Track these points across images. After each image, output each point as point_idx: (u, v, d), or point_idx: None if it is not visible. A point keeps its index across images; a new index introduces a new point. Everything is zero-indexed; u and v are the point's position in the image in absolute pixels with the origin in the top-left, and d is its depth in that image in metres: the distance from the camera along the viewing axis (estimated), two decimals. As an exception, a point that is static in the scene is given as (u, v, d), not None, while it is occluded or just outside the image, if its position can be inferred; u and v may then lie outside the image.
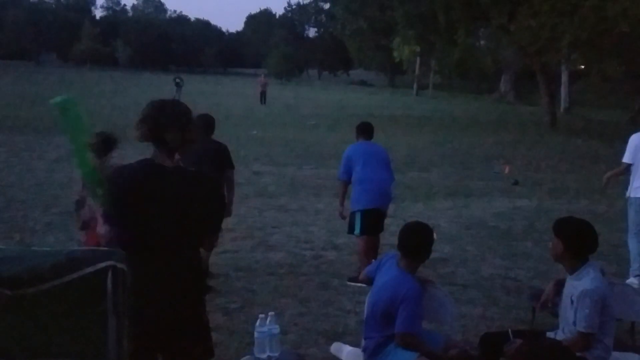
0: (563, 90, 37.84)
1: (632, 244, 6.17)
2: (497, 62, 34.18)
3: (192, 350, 2.91)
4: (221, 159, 5.73)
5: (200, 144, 5.73)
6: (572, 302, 3.40)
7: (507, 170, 13.03)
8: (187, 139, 2.92)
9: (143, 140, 2.87)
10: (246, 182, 10.60)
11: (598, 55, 22.09)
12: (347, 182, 6.24)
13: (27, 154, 13.22)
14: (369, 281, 3.84)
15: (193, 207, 2.87)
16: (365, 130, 6.29)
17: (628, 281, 5.93)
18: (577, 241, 3.45)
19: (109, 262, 2.29)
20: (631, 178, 6.24)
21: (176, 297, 2.82)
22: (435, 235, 3.78)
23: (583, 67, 29.25)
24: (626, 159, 6.16)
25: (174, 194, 2.83)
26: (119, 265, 2.30)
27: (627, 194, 6.26)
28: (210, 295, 5.41)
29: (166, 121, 2.85)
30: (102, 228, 2.88)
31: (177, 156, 2.94)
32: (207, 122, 5.87)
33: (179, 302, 2.84)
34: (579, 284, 3.38)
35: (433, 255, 3.81)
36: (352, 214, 6.10)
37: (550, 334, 3.60)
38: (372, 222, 6.05)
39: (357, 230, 6.05)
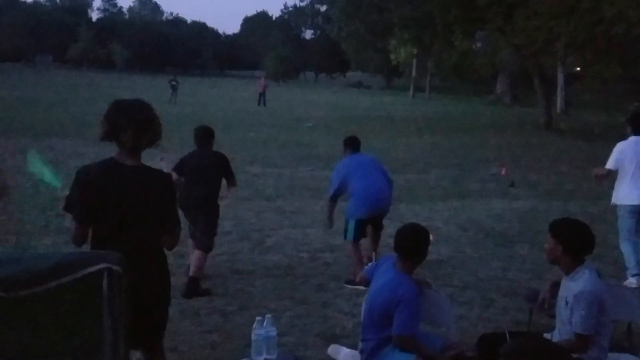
0: (559, 92, 37.91)
1: (625, 246, 6.16)
2: (494, 64, 34.18)
3: (150, 345, 3.04)
4: (223, 171, 5.76)
5: (199, 155, 5.77)
6: (566, 303, 3.40)
7: (503, 171, 13.04)
8: (147, 139, 2.96)
9: (103, 140, 2.94)
10: (243, 184, 10.57)
11: (594, 57, 22.12)
12: (337, 199, 6.23)
13: (22, 157, 13.15)
14: (367, 282, 3.85)
15: (148, 204, 2.94)
16: (353, 144, 6.30)
17: (626, 282, 5.93)
18: (576, 242, 3.44)
19: (104, 265, 2.30)
20: (616, 185, 6.20)
21: (140, 292, 2.85)
22: (431, 237, 3.79)
23: (579, 69, 29.29)
24: (609, 165, 6.12)
25: (130, 192, 2.90)
26: (115, 267, 2.31)
27: (618, 202, 6.18)
28: (207, 298, 5.43)
29: (123, 121, 2.89)
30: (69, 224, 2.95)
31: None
32: (205, 134, 5.86)
33: (143, 296, 2.88)
34: (575, 286, 3.38)
35: (430, 256, 3.81)
36: (347, 221, 6.12)
37: (546, 336, 3.60)
38: (364, 229, 6.13)
39: (350, 237, 6.08)
